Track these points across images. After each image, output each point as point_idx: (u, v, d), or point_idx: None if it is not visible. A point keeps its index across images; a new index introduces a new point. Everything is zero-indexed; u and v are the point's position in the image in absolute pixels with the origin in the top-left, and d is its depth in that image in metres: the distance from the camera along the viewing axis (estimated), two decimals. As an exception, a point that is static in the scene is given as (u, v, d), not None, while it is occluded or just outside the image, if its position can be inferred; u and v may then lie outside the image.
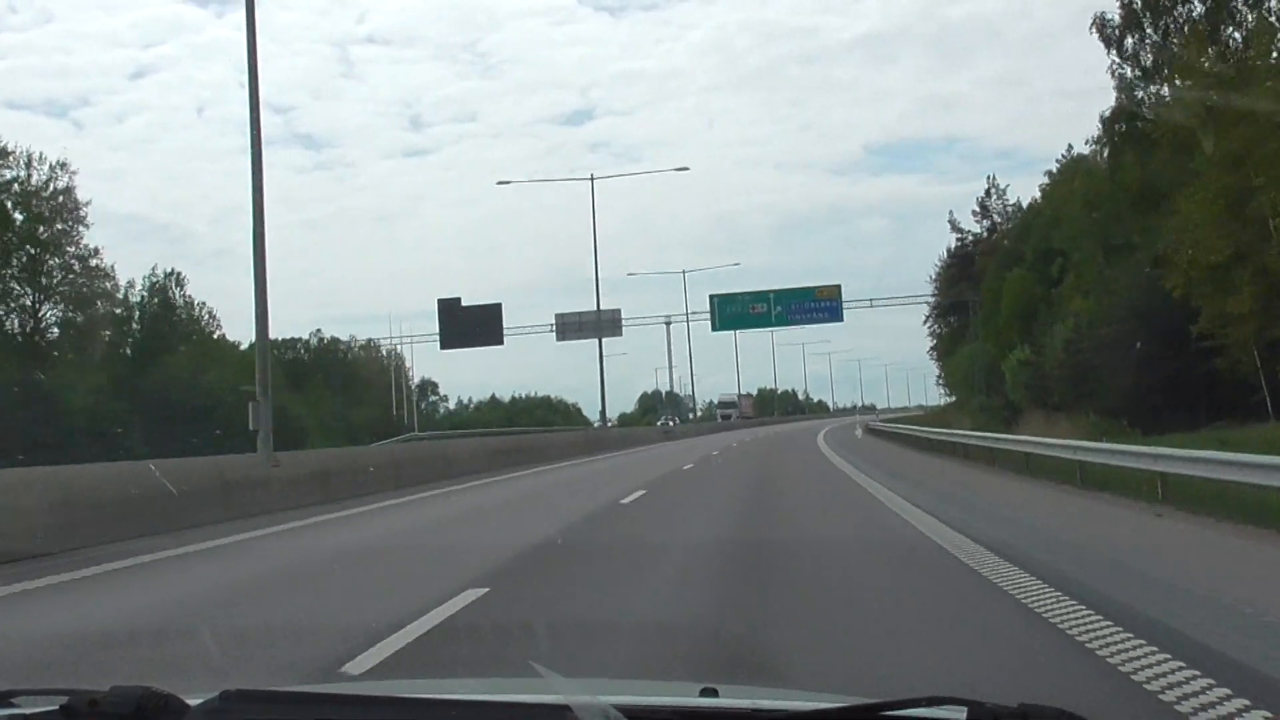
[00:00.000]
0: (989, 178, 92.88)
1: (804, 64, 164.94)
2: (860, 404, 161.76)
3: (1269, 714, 4.11)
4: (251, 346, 21.82)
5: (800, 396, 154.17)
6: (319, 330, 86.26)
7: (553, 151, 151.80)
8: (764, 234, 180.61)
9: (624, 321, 60.94)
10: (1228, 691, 4.37)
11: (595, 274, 63.18)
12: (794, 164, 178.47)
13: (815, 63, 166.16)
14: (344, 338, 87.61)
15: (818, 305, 58.55)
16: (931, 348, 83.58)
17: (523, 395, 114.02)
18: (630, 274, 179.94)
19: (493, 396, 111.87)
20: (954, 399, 76.28)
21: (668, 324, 68.91)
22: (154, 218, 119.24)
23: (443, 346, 60.20)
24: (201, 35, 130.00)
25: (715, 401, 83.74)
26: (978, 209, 72.75)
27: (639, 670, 5.14)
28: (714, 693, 2.12)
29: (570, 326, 59.87)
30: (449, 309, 59.18)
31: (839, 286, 59.11)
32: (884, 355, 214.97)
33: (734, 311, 59.72)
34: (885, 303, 73.69)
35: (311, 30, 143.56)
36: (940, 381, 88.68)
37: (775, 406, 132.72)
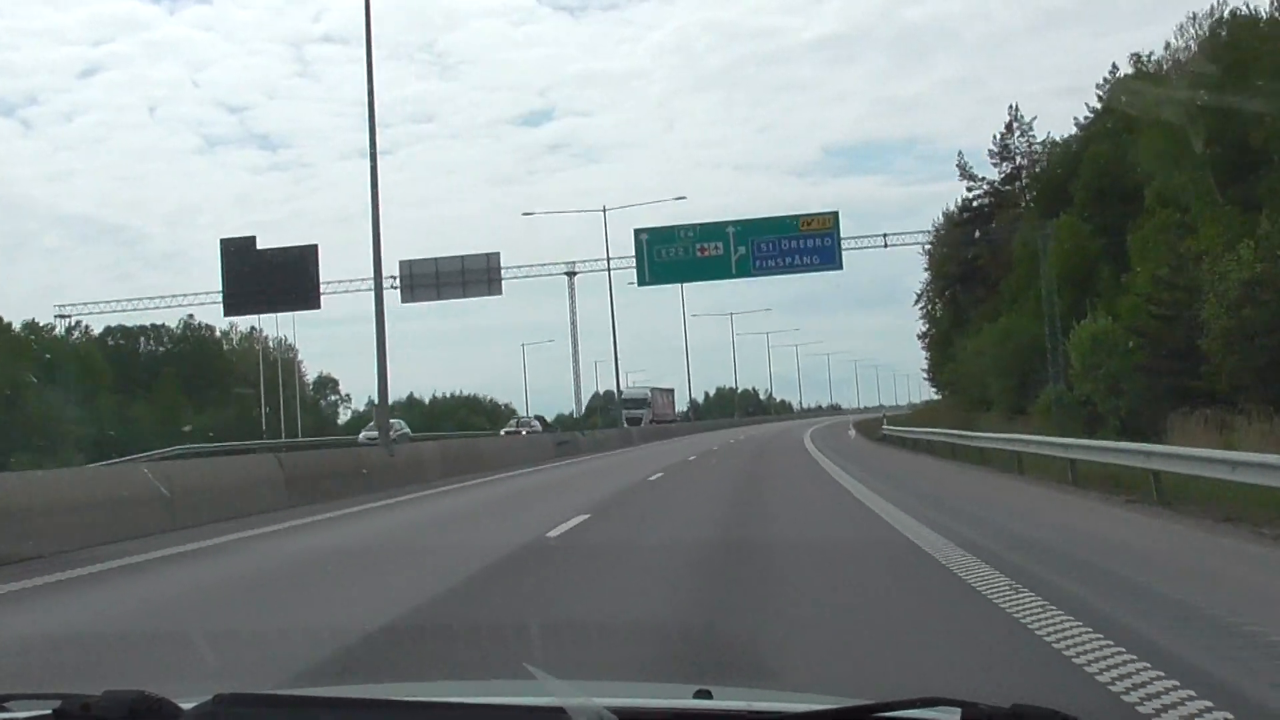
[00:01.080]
0: (1011, 108, 67.89)
1: (764, 65, 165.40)
2: (830, 403, 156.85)
3: None
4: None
5: (762, 395, 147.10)
6: (191, 316, 73.68)
7: (511, 152, 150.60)
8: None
9: (505, 272, 41.86)
10: None
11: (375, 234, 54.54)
12: (754, 165, 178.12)
13: (775, 64, 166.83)
14: (224, 326, 75.31)
15: (802, 244, 38.47)
16: (923, 333, 72.62)
17: (446, 395, 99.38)
18: (526, 213, 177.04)
19: (410, 396, 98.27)
20: (945, 395, 68.37)
21: (570, 275, 46.92)
22: (105, 219, 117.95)
23: (227, 313, 42.30)
24: (153, 33, 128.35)
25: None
26: (994, 149, 56.96)
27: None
28: (708, 694, 2.12)
29: (424, 282, 40.69)
30: (238, 255, 39.43)
31: (835, 215, 38.70)
32: (851, 355, 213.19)
33: (673, 256, 39.05)
34: (900, 239, 41.86)
35: (267, 29, 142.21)
36: (929, 375, 78.81)
37: (735, 406, 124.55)
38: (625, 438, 50.73)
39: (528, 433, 53.29)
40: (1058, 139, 52.63)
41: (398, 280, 39.70)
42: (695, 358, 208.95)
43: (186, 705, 1.88)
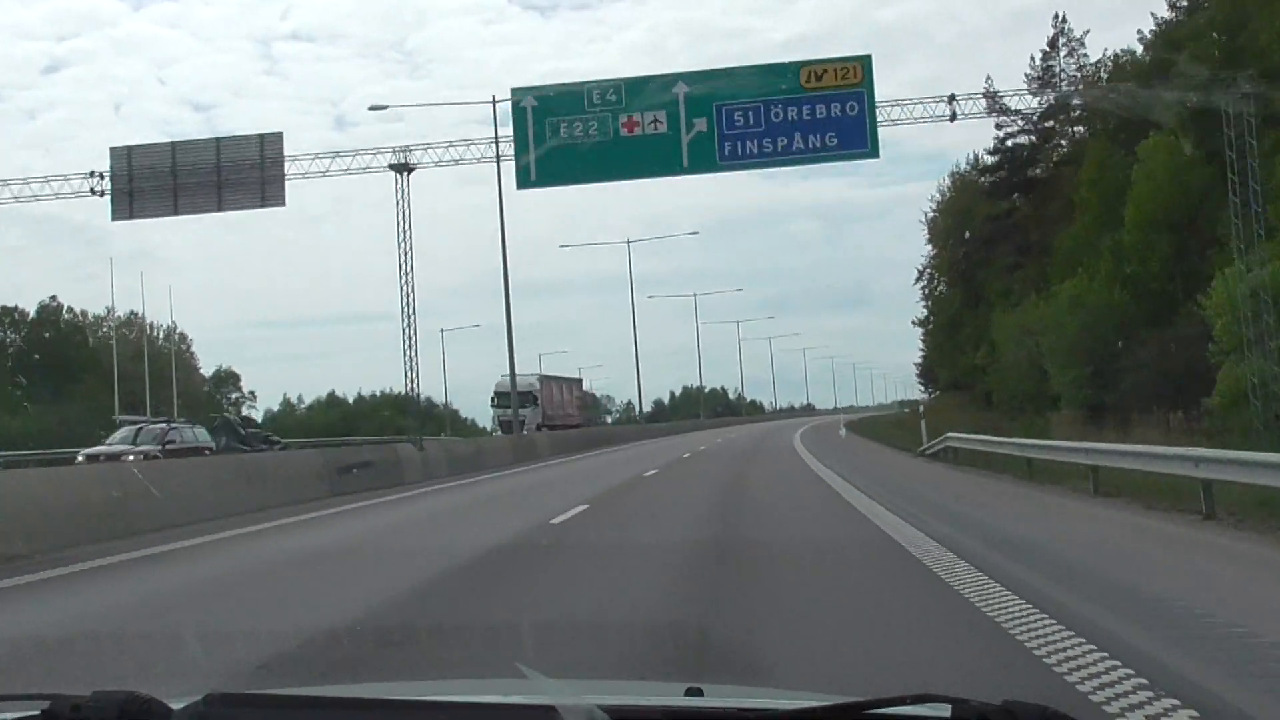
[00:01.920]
0: (1056, 20, 45.20)
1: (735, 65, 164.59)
2: (804, 403, 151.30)
3: None
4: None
5: (732, 395, 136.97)
6: (54, 296, 64.60)
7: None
8: (693, 237, 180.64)
9: (296, 166, 27.15)
10: None
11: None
12: None
13: (747, 64, 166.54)
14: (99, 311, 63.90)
15: (811, 115, 23.50)
16: (922, 319, 63.08)
17: (371, 393, 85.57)
18: (374, 107, 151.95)
19: (331, 394, 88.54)
20: (939, 394, 63.99)
21: (401, 171, 29.25)
22: (69, 218, 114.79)
23: (115, 217, 27.52)
24: (119, 29, 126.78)
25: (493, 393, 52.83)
26: (1033, 74, 42.60)
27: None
28: (699, 693, 2.12)
29: (152, 183, 26.44)
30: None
31: (866, 61, 24.29)
32: (826, 353, 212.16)
33: (581, 136, 23.95)
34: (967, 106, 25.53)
35: (234, 25, 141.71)
36: (921, 372, 73.27)
37: (701, 406, 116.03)
38: (507, 451, 33.15)
39: (159, 452, 26.49)
40: (1127, 52, 39.39)
41: (104, 181, 26.09)
42: (659, 355, 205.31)
43: (177, 705, 1.88)
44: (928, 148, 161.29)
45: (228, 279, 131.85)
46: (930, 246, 58.26)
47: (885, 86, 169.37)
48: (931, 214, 57.78)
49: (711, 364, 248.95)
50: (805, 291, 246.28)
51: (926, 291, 60.51)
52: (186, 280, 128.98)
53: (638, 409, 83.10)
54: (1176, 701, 4.41)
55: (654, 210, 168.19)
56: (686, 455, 31.40)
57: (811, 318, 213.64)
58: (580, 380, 69.90)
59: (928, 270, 59.32)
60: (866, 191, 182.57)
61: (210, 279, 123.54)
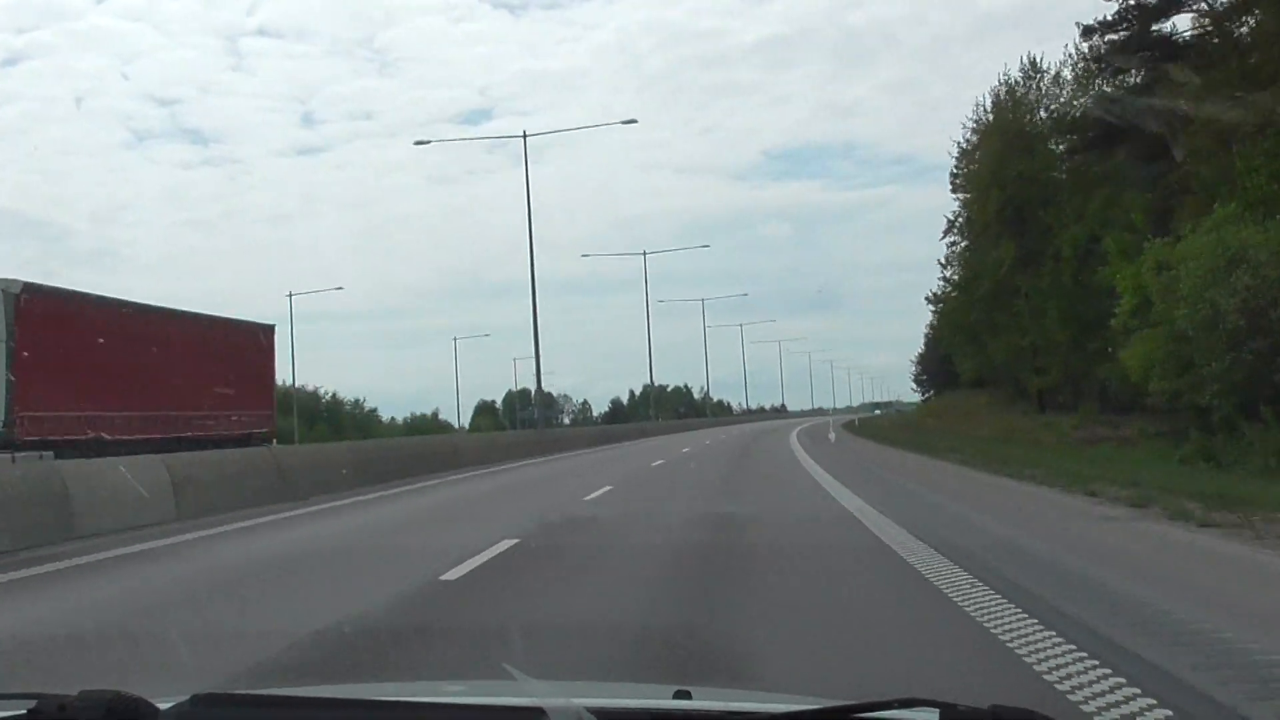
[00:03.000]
0: None
1: (706, 67, 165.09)
2: (776, 404, 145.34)
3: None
4: None
5: (698, 394, 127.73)
6: None
7: (450, 151, 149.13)
8: (665, 239, 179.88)
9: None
10: None
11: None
12: (695, 168, 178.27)
13: (717, 66, 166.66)
14: None
15: None
16: (939, 295, 50.88)
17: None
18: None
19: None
20: (948, 394, 61.86)
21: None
22: (28, 213, 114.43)
23: None
24: (81, 22, 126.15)
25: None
26: None
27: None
28: (687, 695, 2.13)
29: None
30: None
31: None
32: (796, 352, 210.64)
33: None
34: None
35: (199, 20, 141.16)
36: (923, 365, 73.87)
37: (656, 407, 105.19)
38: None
39: None
40: None
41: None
42: (623, 356, 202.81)
43: (163, 705, 1.87)
44: (898, 151, 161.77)
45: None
46: (958, 199, 44.68)
47: (855, 89, 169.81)
48: (969, 139, 43.71)
49: (681, 365, 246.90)
50: (775, 294, 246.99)
51: (951, 258, 48.36)
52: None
53: (653, 411, 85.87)
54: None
55: (627, 212, 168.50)
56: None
57: (781, 320, 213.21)
58: (261, 328, 32.40)
59: (958, 222, 45.41)
60: (837, 195, 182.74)
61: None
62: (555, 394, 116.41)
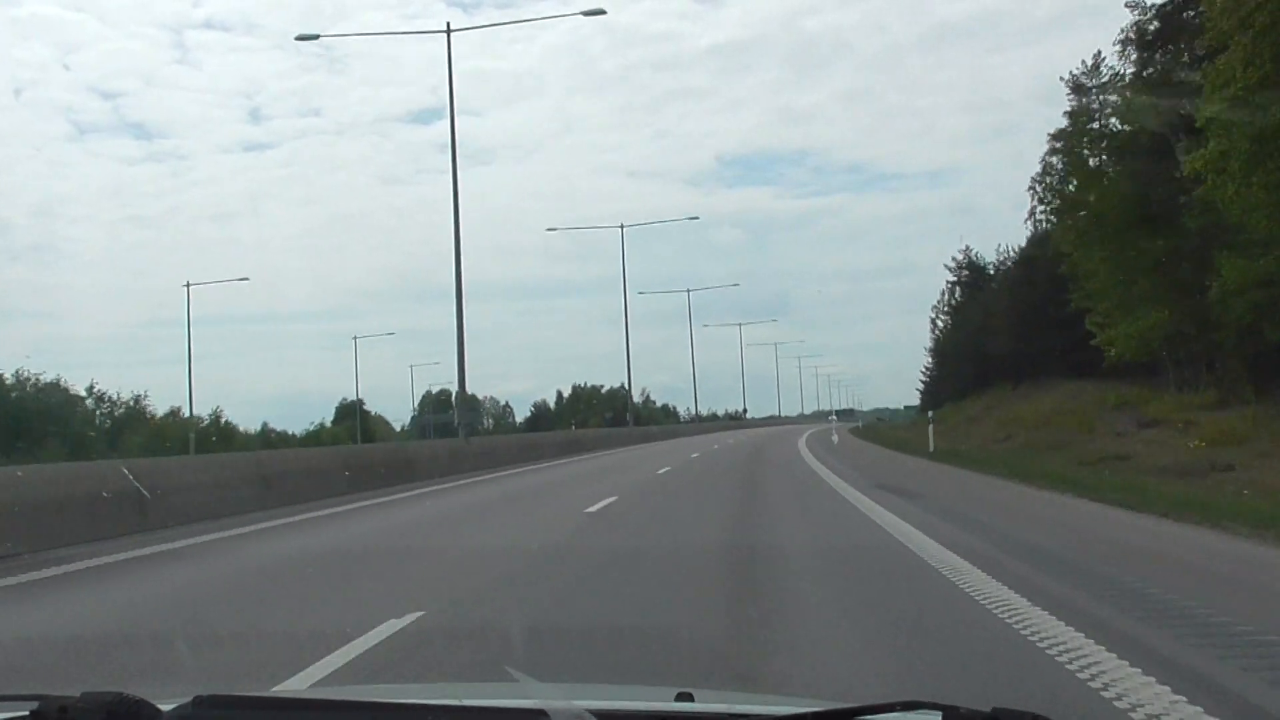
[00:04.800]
0: None
1: (660, 70, 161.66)
2: (736, 410, 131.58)
3: None
4: None
5: (639, 398, 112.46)
6: None
7: (400, 150, 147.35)
8: (616, 243, 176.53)
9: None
10: None
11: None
12: (648, 172, 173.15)
13: (671, 70, 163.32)
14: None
15: None
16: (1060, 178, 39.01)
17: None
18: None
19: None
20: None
21: None
22: None
23: None
24: (20, 9, 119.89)
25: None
26: None
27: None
28: (689, 697, 2.12)
29: None
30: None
31: None
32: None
33: None
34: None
35: (143, 11, 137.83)
36: (939, 360, 70.66)
37: (563, 415, 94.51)
38: None
39: None
40: None
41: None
42: (573, 360, 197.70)
43: (166, 707, 1.87)
44: (852, 158, 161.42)
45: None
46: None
47: (811, 97, 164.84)
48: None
49: (633, 368, 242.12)
50: (725, 298, 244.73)
51: (1053, 177, 40.29)
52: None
53: (578, 417, 78.45)
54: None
55: (579, 215, 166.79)
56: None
57: (731, 329, 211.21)
58: None
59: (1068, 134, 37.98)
60: (789, 202, 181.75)
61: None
62: (482, 397, 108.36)
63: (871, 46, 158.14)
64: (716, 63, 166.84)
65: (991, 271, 69.11)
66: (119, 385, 79.70)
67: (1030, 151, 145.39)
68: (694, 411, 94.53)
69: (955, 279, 73.56)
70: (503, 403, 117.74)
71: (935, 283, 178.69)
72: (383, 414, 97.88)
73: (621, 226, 52.19)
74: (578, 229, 76.10)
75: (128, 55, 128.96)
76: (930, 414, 42.37)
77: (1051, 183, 41.25)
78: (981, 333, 57.40)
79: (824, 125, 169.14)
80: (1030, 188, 43.62)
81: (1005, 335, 50.36)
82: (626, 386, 72.60)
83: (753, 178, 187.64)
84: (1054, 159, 41.34)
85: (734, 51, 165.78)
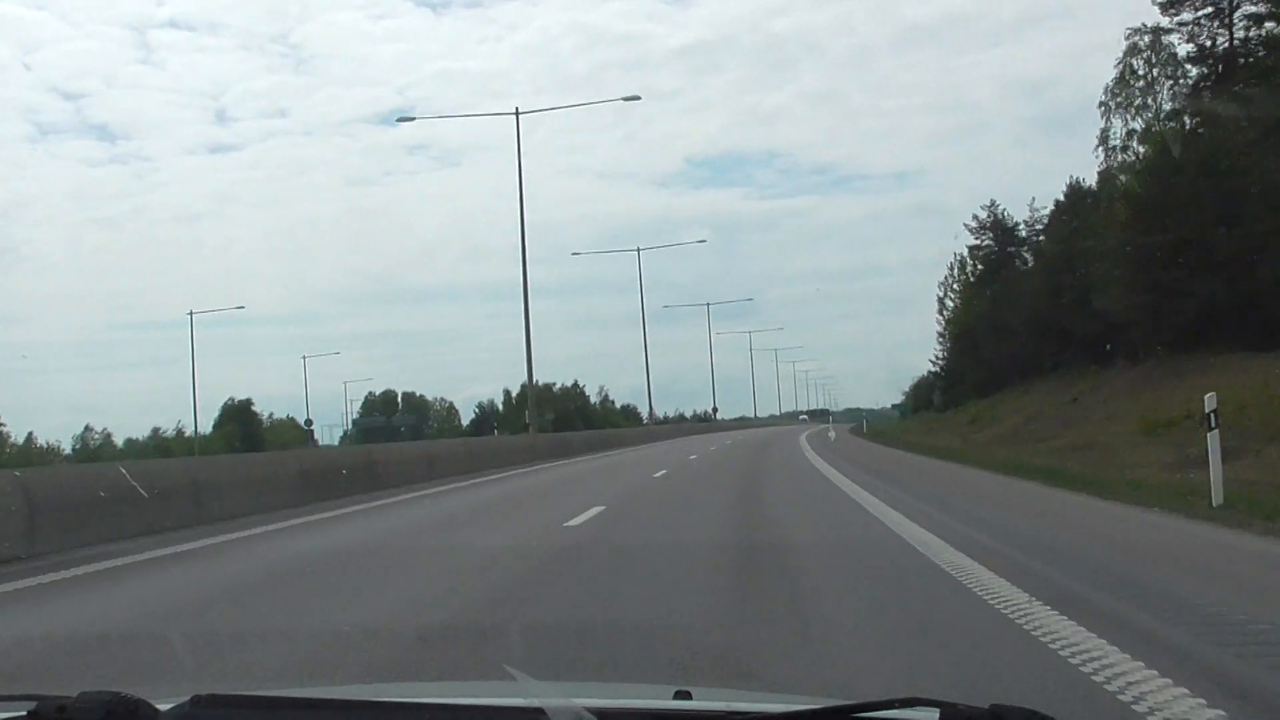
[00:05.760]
0: None
1: (628, 71, 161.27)
2: (710, 410, 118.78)
3: None
4: None
5: (595, 398, 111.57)
6: None
7: (367, 152, 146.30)
8: (587, 243, 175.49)
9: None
10: None
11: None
12: (617, 174, 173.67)
13: (640, 70, 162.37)
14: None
15: None
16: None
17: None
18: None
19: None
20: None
21: None
22: None
23: None
24: None
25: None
26: None
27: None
28: (688, 695, 2.13)
29: None
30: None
31: None
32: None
33: None
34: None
35: (106, 11, 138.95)
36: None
37: (509, 418, 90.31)
38: None
39: None
40: None
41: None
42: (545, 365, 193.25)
43: (164, 706, 1.87)
44: (820, 160, 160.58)
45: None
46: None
47: (778, 98, 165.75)
48: None
49: (598, 370, 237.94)
50: (693, 300, 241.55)
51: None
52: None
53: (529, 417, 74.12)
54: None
55: (549, 218, 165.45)
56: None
57: (700, 328, 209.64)
58: None
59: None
60: (757, 203, 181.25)
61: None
62: (431, 399, 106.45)
63: (839, 47, 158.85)
64: (685, 63, 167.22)
65: (1023, 233, 59.62)
66: (76, 391, 76.44)
67: (997, 152, 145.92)
68: (651, 412, 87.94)
69: (976, 245, 63.02)
70: (448, 404, 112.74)
71: (904, 283, 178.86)
72: (295, 417, 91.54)
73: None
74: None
75: (90, 55, 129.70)
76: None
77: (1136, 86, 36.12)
78: (1037, 299, 47.08)
79: (792, 126, 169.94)
80: (1102, 103, 38.01)
81: (1117, 289, 35.35)
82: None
83: (721, 179, 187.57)
84: (1135, 60, 36.37)
85: (702, 52, 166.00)
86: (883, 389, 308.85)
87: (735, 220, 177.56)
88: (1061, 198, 51.53)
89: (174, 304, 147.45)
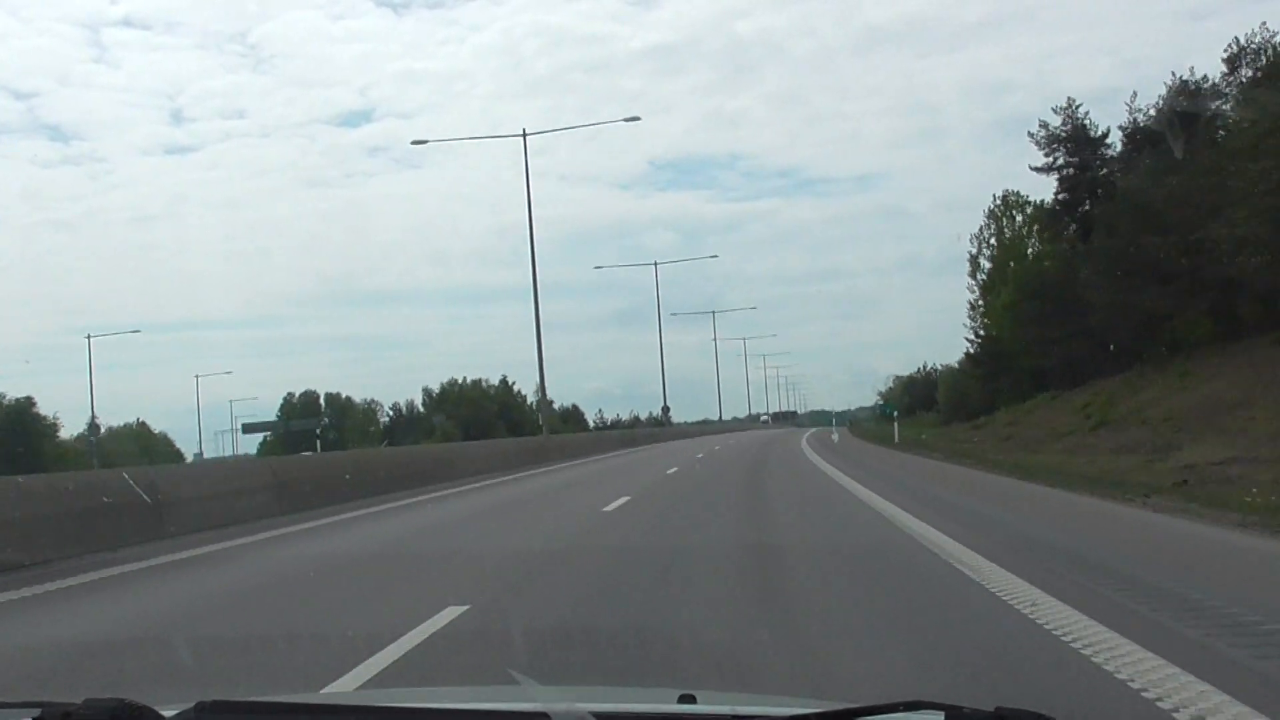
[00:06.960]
0: None
1: (591, 73, 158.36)
2: (661, 410, 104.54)
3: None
4: None
5: (533, 397, 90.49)
6: None
7: (327, 153, 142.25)
8: (549, 247, 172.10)
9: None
10: None
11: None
12: (580, 176, 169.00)
13: (603, 72, 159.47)
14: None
15: None
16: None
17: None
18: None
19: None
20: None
21: None
22: None
23: None
24: None
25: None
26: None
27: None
28: (692, 699, 2.12)
29: None
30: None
31: None
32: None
33: None
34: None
35: (57, 8, 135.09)
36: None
37: (420, 422, 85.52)
38: None
39: None
40: None
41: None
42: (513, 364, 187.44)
43: (168, 713, 1.87)
44: (782, 163, 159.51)
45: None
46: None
47: (741, 100, 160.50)
48: None
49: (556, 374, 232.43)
50: (655, 303, 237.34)
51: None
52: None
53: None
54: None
55: (510, 219, 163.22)
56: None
57: (666, 332, 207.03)
58: None
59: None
60: (721, 206, 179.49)
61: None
62: (359, 400, 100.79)
63: (801, 50, 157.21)
64: (649, 65, 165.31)
65: (1119, 147, 39.26)
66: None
67: (959, 155, 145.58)
68: (602, 416, 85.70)
69: (1048, 163, 42.08)
70: (368, 402, 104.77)
71: (865, 286, 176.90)
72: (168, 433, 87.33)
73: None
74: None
75: (42, 53, 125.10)
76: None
77: None
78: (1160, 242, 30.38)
79: (755, 129, 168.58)
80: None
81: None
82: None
83: (684, 181, 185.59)
84: None
85: (665, 54, 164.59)
86: (848, 391, 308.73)
87: (699, 223, 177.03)
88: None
89: (127, 309, 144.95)
